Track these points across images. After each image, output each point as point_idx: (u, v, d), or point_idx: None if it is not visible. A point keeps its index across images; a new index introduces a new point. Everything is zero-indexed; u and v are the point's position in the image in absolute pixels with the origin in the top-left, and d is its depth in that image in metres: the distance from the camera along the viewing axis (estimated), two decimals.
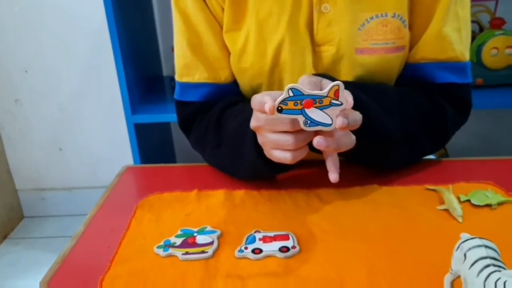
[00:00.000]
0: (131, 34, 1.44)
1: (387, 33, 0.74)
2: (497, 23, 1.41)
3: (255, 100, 0.59)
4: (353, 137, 0.60)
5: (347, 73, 0.77)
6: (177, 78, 0.84)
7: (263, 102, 0.56)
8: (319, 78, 0.61)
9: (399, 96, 0.75)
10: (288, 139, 0.58)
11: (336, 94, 0.54)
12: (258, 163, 0.67)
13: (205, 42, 0.79)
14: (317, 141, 0.56)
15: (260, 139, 0.63)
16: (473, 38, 0.80)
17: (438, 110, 0.77)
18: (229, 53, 0.80)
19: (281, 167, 0.65)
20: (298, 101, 0.54)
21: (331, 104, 0.54)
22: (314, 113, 0.54)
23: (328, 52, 0.76)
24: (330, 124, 0.55)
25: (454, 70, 0.78)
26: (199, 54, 0.80)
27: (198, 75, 0.81)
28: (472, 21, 1.12)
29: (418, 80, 0.79)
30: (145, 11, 1.69)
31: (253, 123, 0.62)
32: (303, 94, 0.54)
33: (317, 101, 0.54)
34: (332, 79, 0.66)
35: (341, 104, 0.54)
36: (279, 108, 0.54)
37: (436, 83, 0.78)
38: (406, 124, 0.74)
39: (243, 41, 0.77)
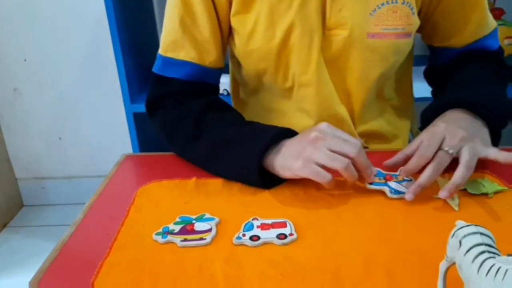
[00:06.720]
0: (130, 24, 1.44)
1: (396, 19, 0.77)
2: (496, 14, 1.41)
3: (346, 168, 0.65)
4: (471, 172, 0.66)
5: (358, 57, 0.79)
6: (160, 51, 0.83)
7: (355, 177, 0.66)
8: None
9: (483, 72, 0.84)
10: (343, 161, 0.64)
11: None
12: (253, 173, 0.69)
13: (198, 23, 0.80)
14: (408, 198, 0.66)
15: (308, 151, 0.65)
16: None
17: (504, 68, 0.88)
18: (219, 39, 0.81)
19: (273, 183, 0.71)
20: (381, 178, 0.71)
21: (404, 180, 0.71)
22: (395, 185, 0.69)
23: (339, 36, 0.78)
24: None
25: (495, 37, 0.88)
26: (189, 34, 0.81)
27: (184, 53, 0.81)
28: None
29: (478, 53, 0.86)
30: (144, 0, 1.68)
31: (315, 134, 0.67)
32: (383, 173, 0.72)
33: (393, 178, 0.71)
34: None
35: (411, 180, 0.70)
36: (370, 182, 0.70)
37: (491, 51, 0.87)
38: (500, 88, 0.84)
39: (253, 24, 0.78)
